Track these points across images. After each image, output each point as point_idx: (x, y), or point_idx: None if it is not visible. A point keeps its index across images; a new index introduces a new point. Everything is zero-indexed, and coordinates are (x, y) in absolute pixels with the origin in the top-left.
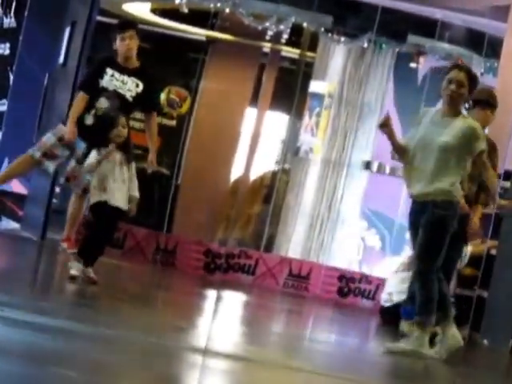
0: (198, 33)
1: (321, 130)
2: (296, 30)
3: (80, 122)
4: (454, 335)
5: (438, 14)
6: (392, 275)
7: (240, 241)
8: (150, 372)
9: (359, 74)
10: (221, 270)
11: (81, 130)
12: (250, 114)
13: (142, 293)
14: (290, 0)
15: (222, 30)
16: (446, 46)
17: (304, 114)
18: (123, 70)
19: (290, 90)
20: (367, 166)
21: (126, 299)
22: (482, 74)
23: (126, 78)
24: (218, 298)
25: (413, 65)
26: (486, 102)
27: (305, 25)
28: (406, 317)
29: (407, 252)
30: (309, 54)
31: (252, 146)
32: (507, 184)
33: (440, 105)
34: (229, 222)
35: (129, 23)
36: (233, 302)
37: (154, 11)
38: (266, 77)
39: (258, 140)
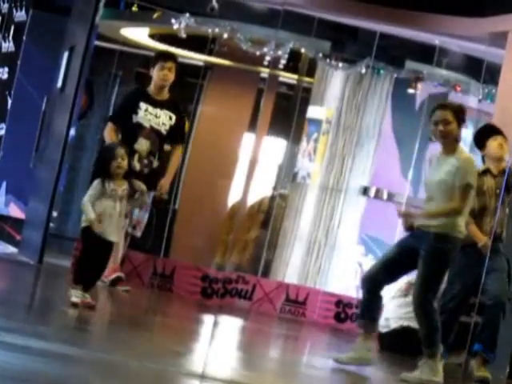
0: (196, 58)
1: (318, 155)
2: (294, 56)
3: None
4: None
5: (436, 40)
6: (389, 301)
7: (237, 266)
8: None
9: (357, 99)
10: (218, 295)
11: (128, 177)
12: (248, 139)
13: (139, 317)
14: (288, 26)
15: (220, 55)
16: (444, 72)
17: (302, 140)
18: (156, 103)
19: (288, 115)
20: (365, 191)
21: (123, 324)
22: (480, 101)
23: (159, 111)
24: (215, 323)
25: (411, 91)
26: (493, 131)
27: (303, 50)
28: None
29: (404, 278)
30: (307, 79)
31: (250, 171)
32: None
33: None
34: (226, 247)
35: (171, 55)
36: (230, 327)
37: (152, 36)
38: (264, 102)
39: (256, 165)
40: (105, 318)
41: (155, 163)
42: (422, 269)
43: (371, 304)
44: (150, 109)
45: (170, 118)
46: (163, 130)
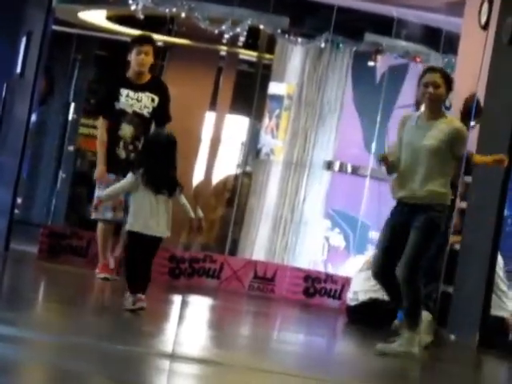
0: (154, 39)
1: (281, 131)
2: (253, 33)
3: (111, 156)
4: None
5: (393, 11)
6: (357, 274)
7: (204, 245)
8: (117, 379)
9: (318, 74)
10: (185, 274)
11: (114, 165)
12: (210, 117)
13: (107, 300)
14: (246, 3)
15: (179, 35)
16: (403, 43)
17: (264, 116)
18: (137, 87)
19: (249, 92)
20: (329, 165)
21: (91, 307)
22: None
23: (140, 94)
24: (184, 303)
25: (371, 63)
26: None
27: (261, 27)
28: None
29: (371, 250)
30: (266, 55)
31: (213, 149)
32: (469, 179)
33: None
34: (192, 227)
35: (147, 38)
36: (199, 306)
37: (109, 18)
38: (224, 80)
39: (219, 144)
40: (73, 301)
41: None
42: (416, 239)
43: (394, 294)
44: (131, 94)
45: (153, 100)
46: (146, 113)
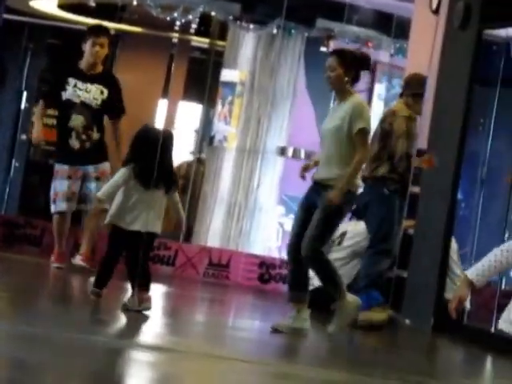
0: (106, 26)
1: (234, 118)
2: (205, 20)
3: (65, 147)
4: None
5: None
6: None
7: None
8: (73, 368)
9: (270, 60)
10: None
11: (68, 156)
12: (163, 105)
13: (61, 289)
14: None
15: (131, 22)
16: (355, 29)
17: (217, 103)
18: (86, 78)
19: (202, 79)
20: (282, 151)
21: (45, 296)
22: (392, 56)
23: (89, 85)
24: None
25: (323, 49)
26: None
27: (213, 14)
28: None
29: None
30: (219, 42)
31: None
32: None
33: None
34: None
35: (104, 29)
36: (154, 293)
37: (61, 7)
38: (177, 67)
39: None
40: (27, 291)
41: (95, 136)
42: (317, 221)
43: (298, 274)
44: (80, 84)
45: (102, 92)
46: (94, 104)
